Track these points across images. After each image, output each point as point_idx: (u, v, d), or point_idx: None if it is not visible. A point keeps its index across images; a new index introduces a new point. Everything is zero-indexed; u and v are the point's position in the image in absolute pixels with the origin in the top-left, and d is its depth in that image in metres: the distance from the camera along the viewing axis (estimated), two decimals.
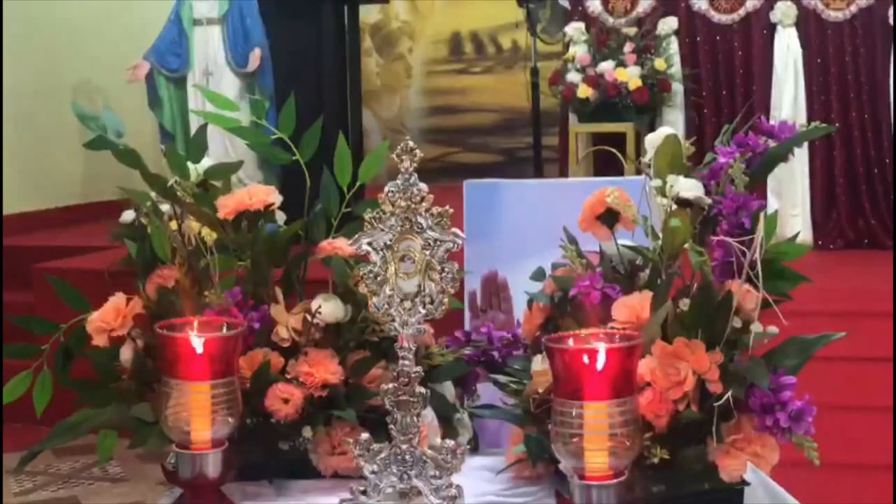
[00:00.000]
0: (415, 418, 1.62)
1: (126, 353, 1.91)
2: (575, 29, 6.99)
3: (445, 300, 1.59)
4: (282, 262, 2.00)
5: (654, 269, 1.79)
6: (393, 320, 1.61)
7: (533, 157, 7.57)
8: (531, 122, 7.62)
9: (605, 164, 6.44)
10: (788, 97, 6.59)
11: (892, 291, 4.82)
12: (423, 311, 1.59)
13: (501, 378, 1.89)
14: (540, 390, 1.74)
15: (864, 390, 4.65)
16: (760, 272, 1.61)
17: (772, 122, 1.87)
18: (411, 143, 1.60)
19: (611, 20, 7.03)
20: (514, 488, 1.80)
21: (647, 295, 1.71)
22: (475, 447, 2.04)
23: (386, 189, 1.59)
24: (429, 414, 1.83)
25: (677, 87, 6.80)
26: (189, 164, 2.09)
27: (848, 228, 6.58)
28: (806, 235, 6.43)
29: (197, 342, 1.64)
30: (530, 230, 2.70)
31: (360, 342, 1.91)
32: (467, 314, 2.64)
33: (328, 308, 1.88)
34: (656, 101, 6.76)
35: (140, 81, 6.89)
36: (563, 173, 7.05)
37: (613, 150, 4.99)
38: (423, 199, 1.58)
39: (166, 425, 1.68)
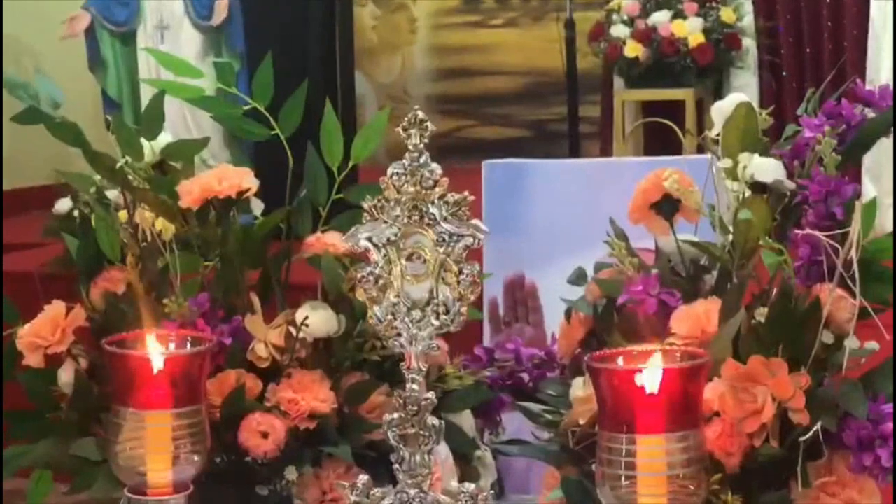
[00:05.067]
0: (426, 456, 1.62)
1: (65, 376, 1.92)
2: None
3: (463, 309, 1.60)
4: (259, 261, 2.01)
5: (724, 271, 1.80)
6: (398, 334, 1.61)
7: (568, 132, 7.57)
8: (566, 87, 7.62)
9: (659, 140, 6.44)
10: (888, 56, 6.58)
11: None
12: (436, 323, 1.60)
13: (532, 407, 1.89)
14: (581, 421, 1.75)
15: None
16: (857, 274, 1.62)
17: (869, 87, 1.88)
18: (420, 114, 1.60)
19: None
20: None
21: (716, 303, 1.72)
22: (499, 492, 2.05)
23: (389, 171, 1.60)
24: (443, 451, 1.84)
25: (749, 45, 6.80)
26: (143, 140, 2.10)
27: None
28: None
29: (154, 361, 1.65)
30: (565, 222, 2.70)
31: (357, 362, 1.93)
32: (486, 327, 2.64)
33: (317, 319, 1.89)
34: (723, 62, 6.77)
35: (78, 38, 6.91)
36: (607, 152, 7.06)
37: (669, 123, 4.99)
38: (435, 183, 1.58)
39: (116, 465, 1.68)
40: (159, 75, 5.52)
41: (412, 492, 1.62)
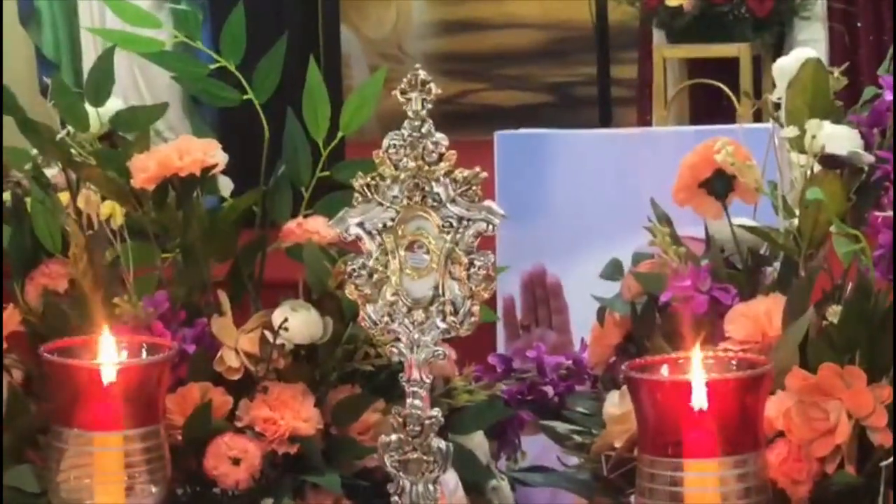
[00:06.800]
0: (430, 487, 1.63)
1: None
2: None
3: (475, 309, 1.60)
4: (228, 253, 2.01)
5: (788, 262, 1.80)
6: (396, 340, 1.62)
7: (598, 97, 7.58)
8: (595, 43, 7.63)
9: (709, 105, 6.44)
10: None
11: None
12: (442, 326, 1.60)
13: (558, 426, 1.90)
14: (617, 444, 1.75)
15: None
16: None
17: None
18: (423, 74, 1.60)
19: None
20: None
21: (779, 300, 1.72)
22: None
23: (386, 143, 1.60)
24: (451, 480, 1.84)
25: None
26: (88, 107, 2.10)
27: None
28: None
29: (104, 373, 1.65)
30: (595, 205, 2.71)
31: (347, 373, 1.93)
32: (501, 331, 2.65)
33: (298, 322, 1.90)
34: (785, 11, 6.76)
35: None
36: (645, 120, 7.06)
37: (720, 86, 4.98)
38: (441, 157, 1.58)
39: (58, 497, 1.69)
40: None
41: None
